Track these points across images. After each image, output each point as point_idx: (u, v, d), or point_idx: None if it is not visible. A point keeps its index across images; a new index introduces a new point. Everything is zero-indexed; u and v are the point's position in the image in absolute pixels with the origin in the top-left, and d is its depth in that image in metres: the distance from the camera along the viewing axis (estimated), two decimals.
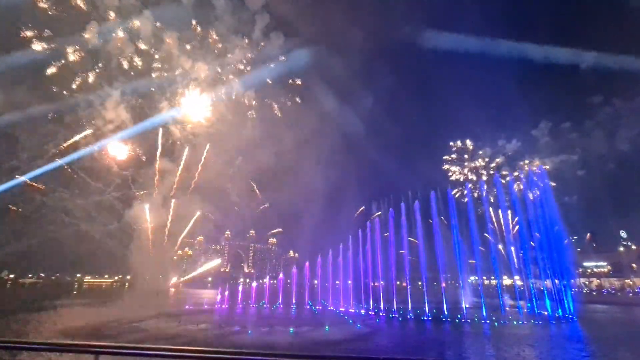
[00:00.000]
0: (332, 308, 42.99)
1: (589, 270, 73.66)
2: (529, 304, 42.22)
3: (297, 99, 77.64)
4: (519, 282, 59.08)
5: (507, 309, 41.22)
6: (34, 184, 58.16)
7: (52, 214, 59.39)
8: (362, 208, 75.74)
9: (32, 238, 57.10)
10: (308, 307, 44.03)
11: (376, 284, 48.17)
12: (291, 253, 63.32)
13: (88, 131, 60.96)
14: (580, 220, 73.52)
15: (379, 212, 72.66)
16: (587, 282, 71.54)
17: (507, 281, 61.11)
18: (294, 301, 46.09)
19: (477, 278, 61.44)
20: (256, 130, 75.12)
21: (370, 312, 38.89)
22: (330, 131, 79.56)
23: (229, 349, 3.61)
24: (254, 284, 50.26)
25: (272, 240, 74.07)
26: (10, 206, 57.43)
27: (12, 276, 67.50)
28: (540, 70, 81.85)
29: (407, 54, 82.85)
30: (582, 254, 74.62)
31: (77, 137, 60.04)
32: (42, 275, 70.18)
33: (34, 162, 58.67)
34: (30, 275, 70.18)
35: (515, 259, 71.83)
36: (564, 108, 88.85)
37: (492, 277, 64.00)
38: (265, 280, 57.72)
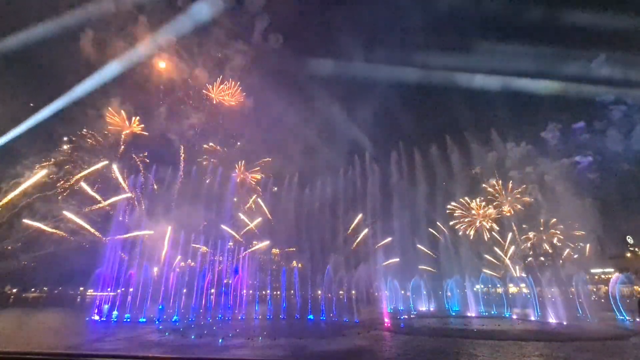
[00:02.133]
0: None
1: (596, 277, 72.57)
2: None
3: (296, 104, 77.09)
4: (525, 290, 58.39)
5: None
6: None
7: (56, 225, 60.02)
8: (360, 216, 75.13)
9: (36, 251, 57.39)
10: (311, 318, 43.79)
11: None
12: (294, 263, 63.12)
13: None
14: (590, 224, 72.28)
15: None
16: (595, 289, 70.43)
17: (512, 289, 60.28)
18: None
19: (482, 286, 60.91)
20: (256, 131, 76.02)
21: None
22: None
23: (229, 357, 3.63)
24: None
25: (275, 250, 73.88)
26: (14, 219, 58.05)
27: (14, 290, 67.58)
28: (547, 69, 78.58)
29: (411, 51, 79.38)
30: (589, 260, 73.62)
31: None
32: (45, 289, 70.30)
33: (36, 171, 59.91)
34: (33, 289, 70.27)
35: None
36: (574, 108, 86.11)
37: (498, 286, 63.24)
38: (266, 291, 57.25)
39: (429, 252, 69.36)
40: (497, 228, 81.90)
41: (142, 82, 71.11)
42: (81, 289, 64.40)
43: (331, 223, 67.85)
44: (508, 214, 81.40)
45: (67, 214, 58.42)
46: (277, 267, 60.03)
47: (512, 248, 76.86)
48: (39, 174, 60.38)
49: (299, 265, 58.52)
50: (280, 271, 55.35)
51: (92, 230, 59.12)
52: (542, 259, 72.95)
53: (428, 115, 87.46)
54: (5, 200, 57.47)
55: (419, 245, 69.77)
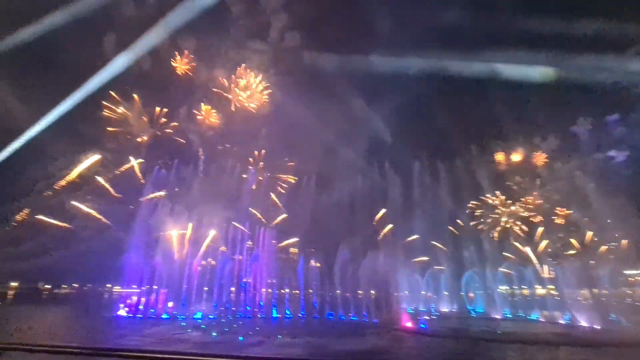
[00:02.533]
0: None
1: (630, 279, 68.52)
2: None
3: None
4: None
5: None
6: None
7: (84, 224, 63.04)
8: (384, 210, 73.95)
9: (66, 248, 60.15)
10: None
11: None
12: (312, 262, 63.16)
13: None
14: (625, 223, 68.09)
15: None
16: (630, 292, 66.61)
17: (540, 291, 57.96)
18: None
19: (508, 287, 58.98)
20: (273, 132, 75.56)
21: None
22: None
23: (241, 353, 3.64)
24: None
25: (293, 250, 74.18)
26: (44, 217, 61.33)
27: (47, 286, 71.21)
28: (577, 59, 71.33)
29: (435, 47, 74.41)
30: (624, 261, 69.51)
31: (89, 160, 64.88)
32: (75, 285, 73.62)
33: (65, 171, 62.96)
34: (64, 286, 73.77)
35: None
36: (607, 100, 79.93)
37: (524, 287, 61.14)
38: (285, 290, 57.59)
39: (446, 249, 67.64)
40: (525, 228, 78.70)
41: (162, 83, 72.52)
42: (108, 285, 66.94)
43: (351, 222, 67.31)
44: (535, 214, 78.19)
45: (76, 204, 61.72)
46: (295, 265, 60.27)
47: (543, 243, 73.58)
48: (91, 159, 64.17)
49: (317, 264, 58.51)
50: (300, 270, 55.52)
51: (102, 218, 62.06)
52: (572, 258, 69.46)
53: (449, 110, 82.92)
54: (65, 180, 61.86)
55: (433, 242, 68.24)
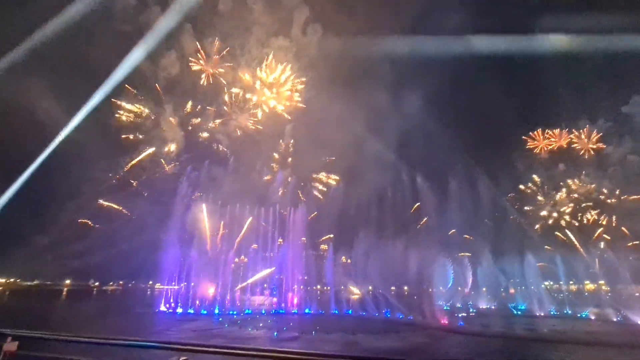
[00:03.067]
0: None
1: None
2: None
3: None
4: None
5: None
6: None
7: (126, 223, 67.10)
8: (417, 204, 71.67)
9: (112, 247, 64.27)
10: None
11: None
12: (343, 259, 62.87)
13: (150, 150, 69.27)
14: None
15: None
16: None
17: (589, 286, 53.93)
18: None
19: (553, 283, 55.48)
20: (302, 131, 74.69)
21: None
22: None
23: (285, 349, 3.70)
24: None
25: (324, 247, 74.11)
26: (88, 222, 66.06)
27: (97, 284, 76.98)
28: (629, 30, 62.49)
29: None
30: None
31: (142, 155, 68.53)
32: (121, 282, 78.85)
33: (107, 174, 67.30)
34: (111, 283, 79.36)
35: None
36: None
37: (572, 282, 57.25)
38: (318, 287, 57.81)
39: (485, 244, 64.34)
40: (572, 220, 73.17)
41: (190, 85, 74.29)
42: (150, 282, 70.68)
43: (384, 218, 65.65)
44: (585, 203, 72.25)
45: (116, 206, 66.50)
46: (326, 262, 60.29)
47: (593, 234, 68.11)
48: (146, 152, 69.84)
49: (348, 260, 58.13)
50: (331, 267, 55.43)
51: (122, 210, 66.33)
52: (627, 250, 63.73)
53: (492, 95, 75.85)
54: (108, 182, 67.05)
55: (472, 237, 64.96)
